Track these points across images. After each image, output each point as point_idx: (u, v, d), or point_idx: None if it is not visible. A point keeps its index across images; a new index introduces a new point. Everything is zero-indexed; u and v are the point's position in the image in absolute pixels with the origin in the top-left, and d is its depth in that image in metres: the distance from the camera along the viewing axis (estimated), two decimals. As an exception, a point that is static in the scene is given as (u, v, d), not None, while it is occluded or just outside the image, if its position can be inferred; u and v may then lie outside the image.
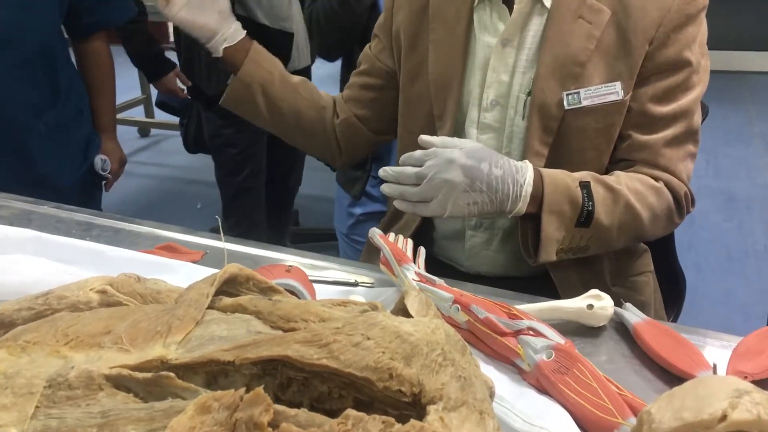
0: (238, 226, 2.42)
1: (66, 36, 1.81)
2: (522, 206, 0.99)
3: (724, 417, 0.48)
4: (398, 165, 1.01)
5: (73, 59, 1.86)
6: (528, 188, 0.98)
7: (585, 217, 1.00)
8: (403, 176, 0.98)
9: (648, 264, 1.22)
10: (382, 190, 1.01)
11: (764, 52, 5.32)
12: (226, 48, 1.19)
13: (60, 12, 1.70)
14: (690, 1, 1.03)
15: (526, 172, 0.99)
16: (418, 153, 0.98)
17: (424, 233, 1.22)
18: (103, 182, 1.91)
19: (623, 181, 1.03)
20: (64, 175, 1.78)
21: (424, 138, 1.00)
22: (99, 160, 1.84)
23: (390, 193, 0.99)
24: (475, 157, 0.96)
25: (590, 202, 0.99)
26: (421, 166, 0.97)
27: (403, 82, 1.20)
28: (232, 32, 1.19)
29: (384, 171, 1.00)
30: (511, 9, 1.08)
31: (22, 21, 1.61)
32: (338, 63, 2.00)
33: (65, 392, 0.50)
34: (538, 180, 0.99)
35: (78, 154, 1.83)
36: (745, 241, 3.05)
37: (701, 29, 1.06)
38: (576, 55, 1.04)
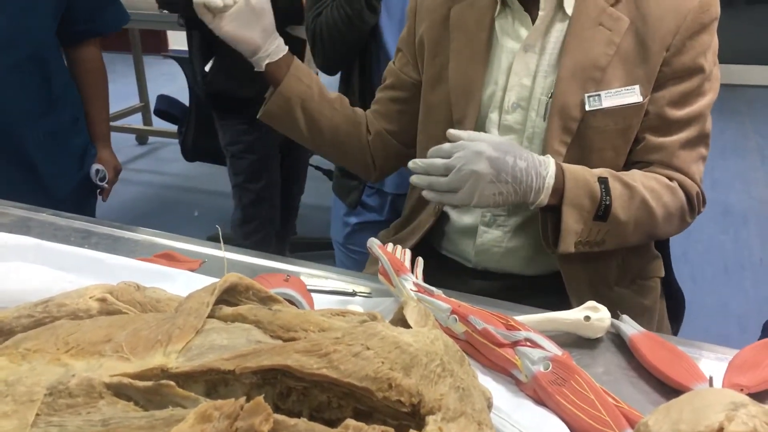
0: (257, 233, 2.42)
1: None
2: (544, 198, 1.02)
3: (720, 429, 0.48)
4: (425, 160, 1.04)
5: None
6: (550, 180, 1.02)
7: (603, 211, 1.03)
8: (433, 167, 1.02)
9: (658, 270, 1.24)
10: (412, 181, 1.04)
11: (761, 66, 5.34)
12: (268, 63, 1.22)
13: (54, 17, 1.69)
14: (704, 10, 1.07)
15: (548, 165, 1.03)
16: (446, 146, 1.02)
17: (437, 228, 1.25)
18: (99, 191, 1.91)
19: (639, 179, 1.07)
20: (60, 183, 1.77)
21: (453, 132, 1.04)
22: (95, 170, 1.83)
23: (419, 183, 1.03)
24: (501, 149, 1.00)
25: (608, 197, 1.03)
26: (449, 158, 1.00)
27: (425, 88, 1.24)
28: (275, 48, 1.22)
29: (413, 163, 1.04)
30: (532, 16, 1.12)
31: (16, 26, 1.61)
32: (337, 77, 2.01)
33: (66, 400, 0.51)
34: (560, 173, 1.03)
35: (74, 162, 1.82)
36: (741, 254, 3.05)
37: (714, 39, 1.10)
38: (596, 59, 1.07)
